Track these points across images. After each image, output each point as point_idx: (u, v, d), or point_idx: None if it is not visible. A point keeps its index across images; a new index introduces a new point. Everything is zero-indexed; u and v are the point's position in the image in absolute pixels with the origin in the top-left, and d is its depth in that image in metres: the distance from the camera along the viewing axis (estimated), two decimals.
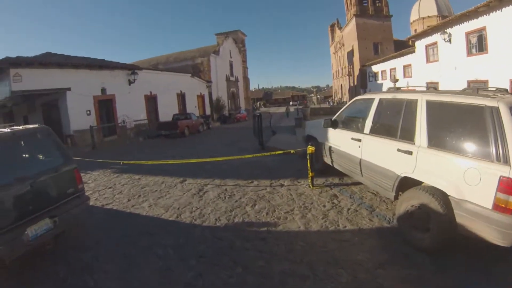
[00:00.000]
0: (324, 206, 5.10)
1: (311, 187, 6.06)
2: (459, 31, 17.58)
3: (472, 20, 16.23)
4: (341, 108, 6.46)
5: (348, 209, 4.92)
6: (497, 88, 3.72)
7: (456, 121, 3.45)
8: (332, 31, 66.89)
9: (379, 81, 34.75)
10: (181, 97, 26.86)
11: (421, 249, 3.49)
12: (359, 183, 5.95)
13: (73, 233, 4.55)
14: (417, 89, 4.69)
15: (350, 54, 47.72)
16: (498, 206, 2.79)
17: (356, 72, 44.59)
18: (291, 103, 79.10)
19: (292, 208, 5.09)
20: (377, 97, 4.90)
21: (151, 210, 5.41)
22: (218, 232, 4.34)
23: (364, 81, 40.66)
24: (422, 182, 3.71)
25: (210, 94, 33.46)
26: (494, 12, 14.61)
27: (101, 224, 4.97)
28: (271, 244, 3.91)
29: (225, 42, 39.40)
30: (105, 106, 18.10)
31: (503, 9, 14.04)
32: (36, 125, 4.34)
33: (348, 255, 3.56)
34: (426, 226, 3.47)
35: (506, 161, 2.78)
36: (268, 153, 7.93)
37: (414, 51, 24.52)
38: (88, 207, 4.55)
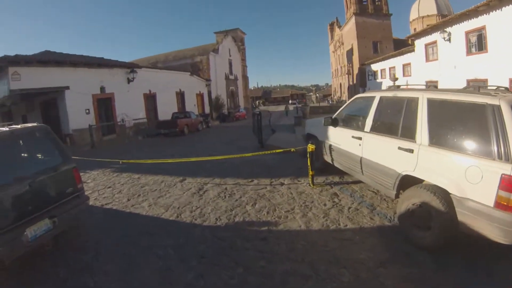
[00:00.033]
0: (325, 204, 5.09)
1: (312, 185, 6.04)
2: (458, 30, 17.55)
3: (472, 19, 16.21)
4: (340, 106, 6.44)
5: (349, 207, 4.91)
6: (498, 87, 3.73)
7: (457, 119, 3.45)
8: (332, 30, 66.83)
9: (379, 80, 34.75)
10: (180, 96, 26.85)
11: (423, 248, 3.49)
12: (359, 182, 5.94)
13: (72, 234, 4.52)
14: (416, 87, 4.68)
15: (350, 52, 47.72)
16: (499, 204, 2.79)
17: (356, 71, 44.58)
18: (290, 101, 79.08)
19: (292, 207, 5.08)
20: (377, 95, 4.89)
21: (151, 209, 5.38)
22: (219, 232, 4.32)
23: (363, 80, 40.64)
24: (423, 180, 3.71)
25: (209, 93, 33.45)
26: (494, 11, 14.59)
27: (101, 224, 4.94)
28: (272, 243, 3.89)
29: (225, 41, 39.36)
30: (104, 104, 18.06)
31: (503, 8, 14.02)
32: (35, 124, 4.31)
33: (350, 254, 3.55)
34: (427, 225, 3.46)
35: (507, 159, 2.78)
36: (268, 152, 7.90)
37: (413, 50, 24.50)
38: (87, 207, 4.53)
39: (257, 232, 4.25)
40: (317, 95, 71.91)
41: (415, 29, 39.89)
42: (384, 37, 43.11)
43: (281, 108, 50.37)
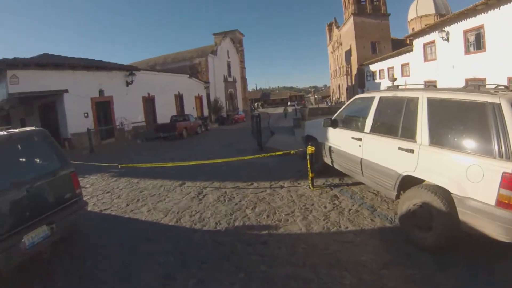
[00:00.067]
0: (325, 207, 5.06)
1: (312, 188, 6.00)
2: (457, 30, 17.58)
3: (470, 18, 16.24)
4: (339, 108, 6.42)
5: (349, 209, 4.88)
6: (497, 85, 3.73)
7: (457, 118, 3.44)
8: (330, 30, 66.94)
9: (377, 80, 34.80)
10: (179, 98, 26.82)
11: (424, 248, 3.48)
12: (359, 183, 5.91)
13: (70, 240, 4.46)
14: (416, 87, 4.67)
15: (348, 53, 47.79)
16: (501, 202, 2.80)
17: (354, 72, 44.63)
18: (289, 103, 79.08)
19: (292, 210, 5.04)
20: (377, 96, 4.87)
21: (150, 214, 5.33)
22: (219, 237, 4.27)
23: (362, 81, 40.70)
24: (423, 181, 3.70)
25: (208, 95, 33.39)
26: (492, 10, 14.62)
27: (100, 230, 4.88)
28: (272, 247, 3.85)
29: (223, 42, 39.28)
30: (102, 108, 18.02)
31: (501, 7, 14.06)
32: (33, 128, 4.27)
33: (351, 256, 3.52)
34: (428, 225, 3.45)
35: (508, 157, 2.79)
36: (267, 154, 7.86)
37: (412, 50, 24.52)
38: (86, 213, 4.48)
39: (258, 236, 4.21)
40: (315, 96, 72.03)
41: (413, 28, 39.95)
42: (382, 37, 43.20)
43: (280, 110, 50.40)
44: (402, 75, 27.51)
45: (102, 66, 18.24)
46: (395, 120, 4.29)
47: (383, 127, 4.56)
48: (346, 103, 6.06)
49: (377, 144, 4.55)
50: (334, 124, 5.86)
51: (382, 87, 25.78)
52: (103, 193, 6.90)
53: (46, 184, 3.78)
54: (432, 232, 3.40)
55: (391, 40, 43.38)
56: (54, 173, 3.96)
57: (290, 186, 6.38)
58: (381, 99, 4.76)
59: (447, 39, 18.53)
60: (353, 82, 45.50)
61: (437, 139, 3.55)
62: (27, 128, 4.23)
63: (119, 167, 8.24)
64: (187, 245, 4.08)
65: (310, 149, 6.02)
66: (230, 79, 41.29)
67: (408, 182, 3.90)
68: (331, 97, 70.76)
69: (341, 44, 53.57)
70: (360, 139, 4.92)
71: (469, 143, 3.20)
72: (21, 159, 3.96)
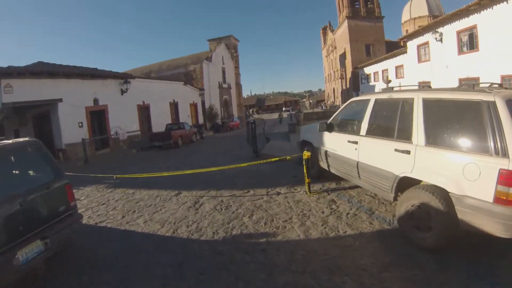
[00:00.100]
0: (323, 212, 5.02)
1: (308, 193, 5.96)
2: (450, 30, 17.79)
3: (463, 18, 16.47)
4: (334, 111, 6.41)
5: (347, 213, 4.84)
6: (491, 84, 3.77)
7: (453, 117, 3.46)
8: (324, 34, 67.49)
9: (372, 83, 35.04)
10: (174, 106, 26.74)
11: (424, 249, 3.48)
12: (356, 187, 5.88)
13: (65, 255, 4.33)
14: (411, 88, 4.67)
15: (342, 56, 48.13)
16: (499, 199, 2.83)
17: (349, 75, 44.94)
18: (284, 108, 79.36)
19: (290, 216, 4.99)
20: (372, 98, 4.87)
21: (146, 226, 5.23)
22: (217, 246, 4.20)
23: (356, 84, 40.95)
24: (421, 181, 3.70)
25: (203, 103, 33.36)
26: (485, 10, 14.85)
27: (95, 244, 4.76)
28: (271, 255, 3.80)
29: (218, 48, 39.22)
30: (97, 117, 17.89)
31: (494, 7, 14.29)
32: (27, 138, 4.18)
33: (351, 260, 3.48)
34: (427, 225, 3.46)
35: (504, 154, 2.82)
36: (263, 161, 7.80)
37: (406, 52, 24.77)
38: (80, 226, 4.38)
39: (256, 244, 4.15)
40: (310, 101, 72.25)
41: (407, 30, 40.33)
42: (376, 40, 43.60)
43: (275, 115, 50.36)
44: (397, 77, 27.73)
45: (97, 74, 18.08)
46: (390, 122, 4.29)
47: (379, 130, 4.56)
48: (342, 107, 6.05)
49: (373, 146, 4.54)
50: (330, 128, 5.84)
51: (376, 90, 25.89)
52: (98, 205, 6.79)
53: (40, 197, 3.67)
54: (432, 232, 3.40)
55: (385, 42, 43.81)
56: (48, 185, 3.85)
57: (287, 192, 6.34)
58: (376, 101, 4.76)
59: (441, 40, 18.72)
60: (348, 86, 45.77)
61: (433, 139, 3.56)
62: (21, 139, 4.14)
63: (114, 177, 8.13)
64: (184, 256, 4.00)
65: (306, 154, 5.98)
66: (225, 86, 41.25)
67: (405, 184, 3.89)
68: (326, 101, 71.08)
69: (335, 48, 53.95)
70: (356, 142, 4.90)
71: (465, 141, 3.22)
72: (14, 172, 3.86)
